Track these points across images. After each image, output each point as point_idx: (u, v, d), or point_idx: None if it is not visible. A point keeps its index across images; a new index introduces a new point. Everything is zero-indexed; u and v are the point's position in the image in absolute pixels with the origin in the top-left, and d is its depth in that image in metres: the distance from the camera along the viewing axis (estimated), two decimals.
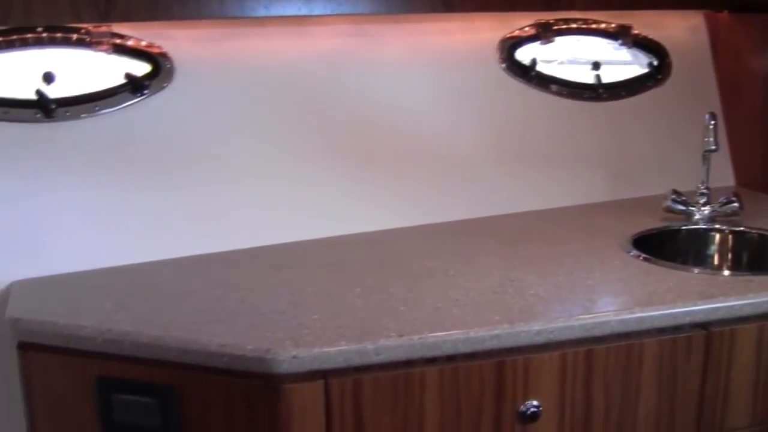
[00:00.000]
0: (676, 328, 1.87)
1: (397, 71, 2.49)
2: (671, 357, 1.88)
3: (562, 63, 2.69)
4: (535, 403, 1.78)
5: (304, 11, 2.25)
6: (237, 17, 2.21)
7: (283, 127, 2.37)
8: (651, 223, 2.45)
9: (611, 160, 2.74)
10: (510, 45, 2.62)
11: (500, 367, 1.75)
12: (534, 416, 1.78)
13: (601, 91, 2.73)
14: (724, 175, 2.87)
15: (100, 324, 1.78)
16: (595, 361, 1.81)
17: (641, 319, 1.83)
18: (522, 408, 1.78)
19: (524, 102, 2.64)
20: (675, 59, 2.85)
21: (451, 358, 1.72)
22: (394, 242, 2.32)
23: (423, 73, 2.52)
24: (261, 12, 2.21)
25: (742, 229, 2.46)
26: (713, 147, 2.45)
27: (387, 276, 2.05)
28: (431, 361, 1.71)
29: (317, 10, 2.27)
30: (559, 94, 2.68)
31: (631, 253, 2.20)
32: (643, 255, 2.18)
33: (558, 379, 1.79)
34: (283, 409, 1.64)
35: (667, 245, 2.39)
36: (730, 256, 2.48)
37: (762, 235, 2.42)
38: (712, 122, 2.45)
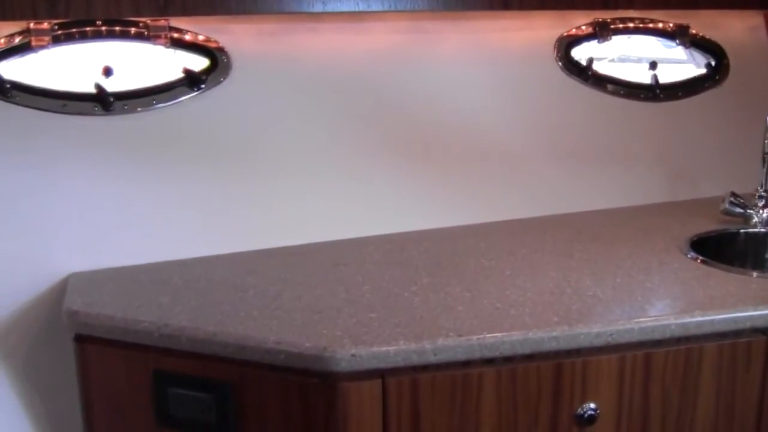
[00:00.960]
0: (736, 333, 1.84)
1: (454, 68, 2.48)
2: (731, 363, 1.85)
3: (618, 62, 2.66)
4: (592, 406, 1.76)
5: (361, 7, 2.24)
6: (294, 12, 2.20)
7: (339, 124, 2.36)
8: (709, 225, 2.42)
9: (668, 161, 2.71)
10: (567, 43, 2.59)
11: (558, 369, 1.73)
12: (591, 419, 1.77)
13: (658, 91, 2.70)
14: None
15: (157, 319, 1.79)
16: (654, 365, 1.79)
17: (701, 323, 1.80)
18: (579, 411, 1.76)
19: (580, 101, 2.61)
20: (733, 59, 2.81)
21: (508, 359, 1.71)
22: (451, 240, 2.31)
23: (480, 70, 2.50)
24: (318, 7, 2.20)
25: None
26: None
27: (444, 275, 2.05)
28: (489, 361, 1.70)
29: (374, 6, 2.25)
30: (615, 93, 2.65)
31: (689, 255, 2.17)
32: (701, 257, 2.15)
33: (616, 383, 1.78)
34: (341, 408, 1.64)
35: (725, 248, 2.36)
36: None
37: None
38: None
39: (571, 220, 2.50)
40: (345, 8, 2.23)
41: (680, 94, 2.74)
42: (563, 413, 1.76)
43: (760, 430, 1.92)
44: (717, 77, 2.79)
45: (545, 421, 1.75)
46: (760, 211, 2.45)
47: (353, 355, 1.62)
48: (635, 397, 1.80)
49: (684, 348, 1.81)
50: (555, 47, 2.58)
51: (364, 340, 1.66)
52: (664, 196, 2.68)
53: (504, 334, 1.70)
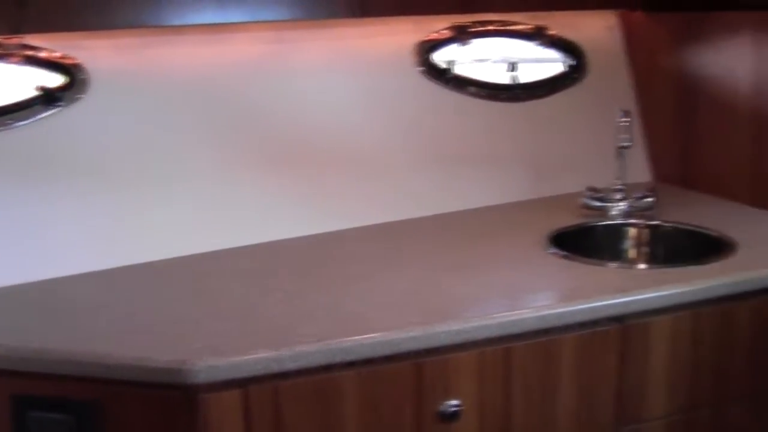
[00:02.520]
0: (593, 323, 1.90)
1: (315, 76, 2.49)
2: (589, 351, 1.91)
3: (479, 64, 2.71)
4: (455, 402, 1.79)
5: (220, 18, 2.24)
6: (152, 26, 2.19)
7: (201, 135, 2.36)
8: (569, 220, 2.49)
9: (531, 159, 2.77)
10: (427, 48, 2.63)
11: (419, 368, 1.76)
12: (455, 415, 1.80)
13: (518, 91, 2.76)
14: (641, 171, 2.91)
15: (12, 341, 1.75)
16: (514, 359, 1.84)
17: (559, 314, 1.85)
18: (442, 408, 1.79)
19: (443, 104, 2.66)
20: (591, 58, 2.89)
21: (369, 362, 1.73)
22: (315, 247, 2.33)
23: (341, 77, 2.52)
24: (176, 21, 2.20)
25: (657, 222, 2.51)
26: (627, 143, 2.50)
27: (308, 282, 2.06)
28: (350, 365, 1.72)
29: (234, 17, 2.26)
30: (476, 95, 2.70)
31: (550, 251, 2.23)
32: (561, 252, 2.21)
33: (477, 378, 1.81)
34: (202, 420, 1.63)
35: (584, 241, 2.42)
36: (645, 249, 2.52)
37: (676, 228, 2.47)
38: (626, 119, 2.49)
39: (437, 222, 2.53)
40: (203, 20, 2.23)
41: (540, 93, 2.81)
42: (427, 411, 1.78)
43: (619, 416, 1.98)
44: (576, 76, 2.86)
45: (409, 421, 1.78)
46: (618, 204, 2.52)
47: (212, 367, 1.62)
48: (498, 390, 1.84)
49: (544, 340, 1.86)
50: (415, 52, 2.61)
51: (223, 350, 1.66)
52: (528, 193, 2.74)
53: (363, 336, 1.72)
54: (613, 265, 2.19)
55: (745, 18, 2.60)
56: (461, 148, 2.67)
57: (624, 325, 1.93)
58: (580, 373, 1.91)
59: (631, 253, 2.53)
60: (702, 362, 2.05)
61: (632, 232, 2.52)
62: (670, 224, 2.49)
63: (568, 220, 2.48)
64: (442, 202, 2.60)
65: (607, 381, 1.95)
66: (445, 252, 2.25)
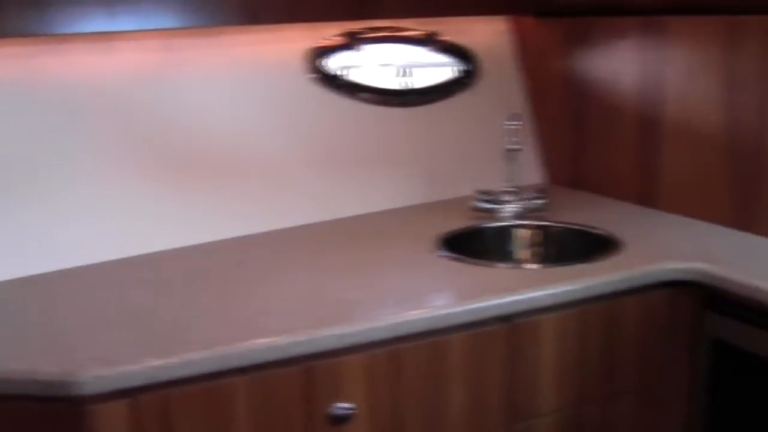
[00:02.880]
0: (481, 323, 1.93)
1: (207, 84, 2.49)
2: (478, 351, 1.94)
3: (372, 70, 2.73)
4: (346, 405, 1.81)
5: (108, 27, 2.22)
6: (40, 34, 2.16)
7: (91, 145, 2.33)
8: (461, 222, 2.52)
9: (424, 163, 2.80)
10: (318, 54, 2.64)
11: (309, 372, 1.77)
12: (346, 418, 1.82)
13: (411, 96, 2.79)
14: (534, 174, 2.98)
15: None
16: (404, 360, 1.86)
17: (446, 315, 1.88)
18: (333, 411, 1.81)
19: (335, 111, 2.67)
20: (483, 63, 2.93)
21: (259, 367, 1.73)
22: (208, 255, 2.32)
23: (233, 85, 2.52)
24: (64, 29, 2.17)
25: (546, 223, 2.56)
26: (516, 146, 2.55)
27: (198, 290, 2.05)
28: (241, 371, 1.72)
29: (122, 26, 2.24)
30: (369, 101, 2.72)
31: (440, 254, 2.26)
32: (451, 254, 2.24)
33: (368, 380, 1.83)
34: None
35: (475, 243, 2.46)
36: (536, 250, 2.57)
37: (565, 228, 2.53)
38: (514, 122, 2.54)
39: (329, 228, 2.55)
40: (92, 28, 2.21)
41: (433, 98, 2.84)
42: (318, 415, 1.80)
43: (509, 414, 2.02)
44: (468, 81, 2.91)
45: (300, 425, 1.79)
46: (508, 206, 2.57)
47: (98, 377, 1.61)
48: (388, 392, 1.86)
49: (432, 341, 1.89)
50: (307, 59, 2.62)
51: (110, 360, 1.65)
52: (422, 197, 2.77)
53: (252, 342, 1.73)
54: (502, 265, 2.23)
55: (630, 23, 2.67)
56: (354, 154, 2.69)
57: (512, 324, 1.97)
58: (470, 373, 1.94)
59: (522, 253, 2.58)
60: (590, 358, 2.10)
61: (522, 233, 2.57)
62: (559, 225, 2.54)
63: (460, 222, 2.52)
64: (335, 207, 2.62)
65: (496, 379, 1.98)
66: (336, 256, 2.26)
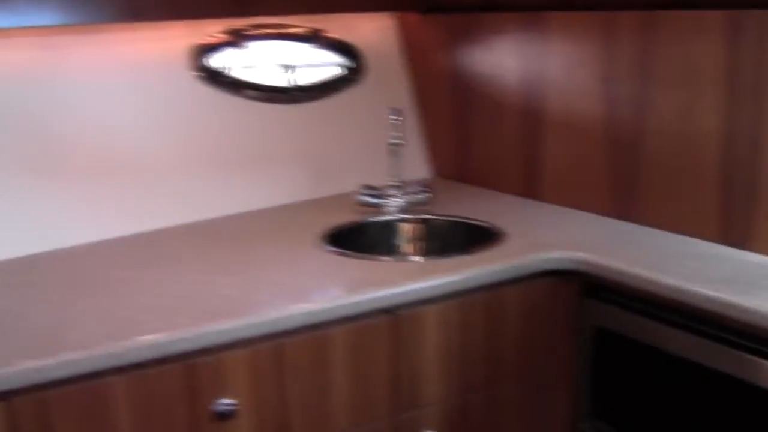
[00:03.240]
0: (364, 316, 1.95)
1: (86, 83, 2.45)
2: (361, 344, 1.96)
3: (258, 67, 2.72)
4: (229, 401, 1.81)
5: None
6: None
7: None
8: (347, 217, 2.54)
9: (311, 160, 2.81)
10: (202, 52, 2.63)
11: (190, 370, 1.77)
12: (230, 414, 1.81)
13: (296, 93, 2.79)
14: (421, 168, 3.01)
15: None
16: (287, 355, 1.87)
17: (328, 309, 1.89)
18: (217, 408, 1.80)
19: (220, 108, 2.66)
20: (368, 60, 2.95)
21: (140, 366, 1.72)
22: (88, 256, 2.28)
23: (114, 83, 2.49)
24: None
25: (430, 216, 2.60)
26: (399, 141, 2.58)
27: (77, 290, 2.02)
28: (120, 370, 1.70)
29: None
30: (254, 98, 2.72)
31: (325, 248, 2.27)
32: (336, 249, 2.25)
33: (251, 376, 1.83)
34: None
35: (360, 238, 2.48)
36: (420, 243, 2.60)
37: (449, 221, 2.56)
38: (397, 117, 2.57)
39: (216, 225, 2.53)
40: None
41: (319, 94, 2.85)
42: (201, 412, 1.79)
43: (395, 404, 2.04)
44: (354, 77, 2.92)
45: (183, 423, 1.78)
46: (393, 200, 2.59)
47: None
48: (272, 387, 1.86)
49: (315, 335, 1.90)
50: (190, 56, 2.61)
51: None
52: (308, 193, 2.78)
53: (130, 341, 1.71)
54: (386, 259, 2.25)
55: (511, 19, 2.72)
56: (240, 152, 2.68)
57: (395, 317, 1.99)
58: (354, 365, 1.96)
59: (406, 247, 2.60)
60: (474, 348, 2.13)
61: (407, 226, 2.60)
62: (444, 218, 2.58)
63: (345, 217, 2.53)
64: (221, 205, 2.61)
65: (381, 371, 2.00)
66: (220, 255, 2.25)
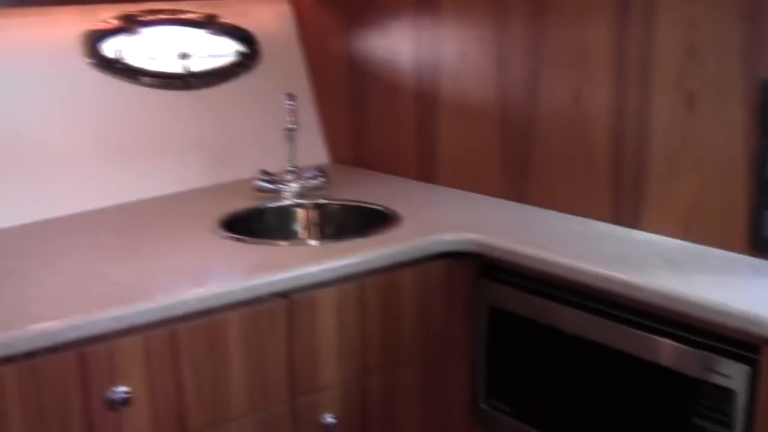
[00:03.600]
0: (258, 300, 1.95)
1: None
2: (256, 328, 1.96)
3: (152, 54, 2.69)
4: (124, 389, 1.79)
5: None
6: None
7: None
8: (244, 203, 2.53)
9: (207, 147, 2.79)
10: (95, 38, 2.59)
11: (83, 358, 1.74)
12: (125, 402, 1.79)
13: (191, 80, 2.77)
14: (318, 154, 3.01)
15: None
16: (181, 341, 1.86)
17: (220, 294, 1.89)
18: (111, 395, 1.78)
19: (115, 95, 2.62)
20: (264, 46, 2.94)
21: (30, 355, 1.69)
22: None
23: (4, 70, 2.43)
24: None
25: (326, 201, 2.61)
26: (293, 126, 2.58)
27: None
28: (9, 360, 1.67)
29: None
30: (149, 85, 2.69)
31: (220, 234, 2.26)
32: (231, 234, 2.25)
33: (145, 363, 1.82)
34: None
35: (257, 224, 2.48)
36: (317, 227, 2.61)
37: (345, 206, 2.58)
38: (290, 102, 2.57)
39: (110, 213, 2.49)
40: None
41: (215, 81, 2.83)
42: (95, 401, 1.77)
43: (292, 389, 2.04)
44: (249, 63, 2.91)
45: (77, 412, 1.75)
46: (290, 185, 2.59)
47: None
48: (166, 374, 1.85)
49: (209, 321, 1.89)
50: (82, 43, 2.57)
51: None
52: (206, 180, 2.75)
53: (21, 330, 1.68)
54: (281, 243, 2.25)
55: (405, 3, 2.74)
56: (135, 139, 2.65)
57: (290, 301, 2.00)
58: (249, 350, 1.96)
59: (303, 232, 2.61)
60: (371, 331, 2.15)
61: (303, 212, 2.61)
62: (339, 202, 2.60)
63: (242, 204, 2.53)
64: (115, 194, 2.56)
65: (278, 356, 2.00)
66: (116, 241, 2.23)
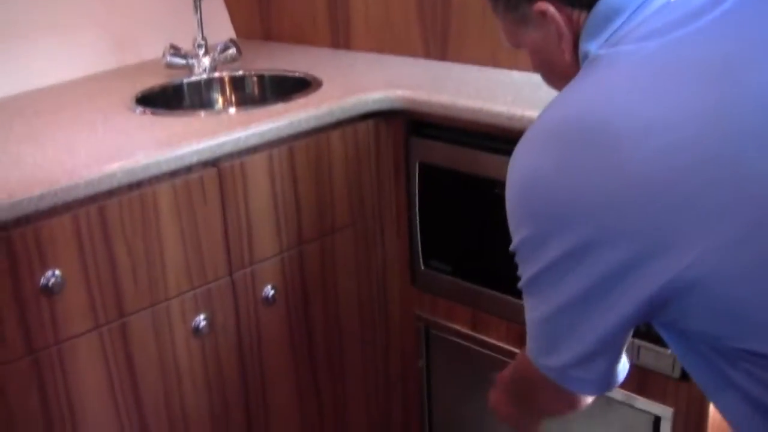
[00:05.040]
0: (188, 170, 1.85)
1: None
2: (188, 201, 1.86)
3: None
4: (56, 272, 1.69)
5: None
6: None
7: None
8: (157, 81, 2.40)
9: (110, 26, 2.61)
10: None
11: (8, 244, 1.63)
12: (58, 286, 1.69)
13: None
14: (225, 28, 2.88)
15: None
16: (110, 218, 1.75)
17: (146, 166, 1.77)
18: (42, 281, 1.68)
19: None
20: None
21: None
22: None
23: None
24: None
25: (241, 73, 2.51)
26: None
27: None
28: None
29: None
30: None
31: (138, 110, 2.14)
32: (149, 109, 2.13)
33: (76, 244, 1.71)
34: None
35: (173, 99, 2.37)
36: (233, 98, 2.52)
37: (260, 76, 2.49)
38: None
39: (15, 101, 2.32)
40: None
41: None
42: (26, 287, 1.66)
43: (230, 262, 1.97)
44: None
45: (8, 300, 1.64)
46: (201, 59, 2.47)
47: None
48: (99, 254, 1.74)
49: (138, 195, 1.79)
50: None
51: None
52: (114, 61, 2.59)
53: None
54: (204, 114, 2.15)
55: None
56: (35, 19, 2.45)
57: (219, 169, 1.91)
58: (183, 225, 1.87)
59: (222, 104, 2.50)
60: (303, 196, 2.08)
61: (220, 84, 2.50)
62: (256, 72, 2.50)
63: (155, 81, 2.40)
64: (15, 81, 2.38)
65: (212, 229, 1.92)
66: (25, 128, 2.07)
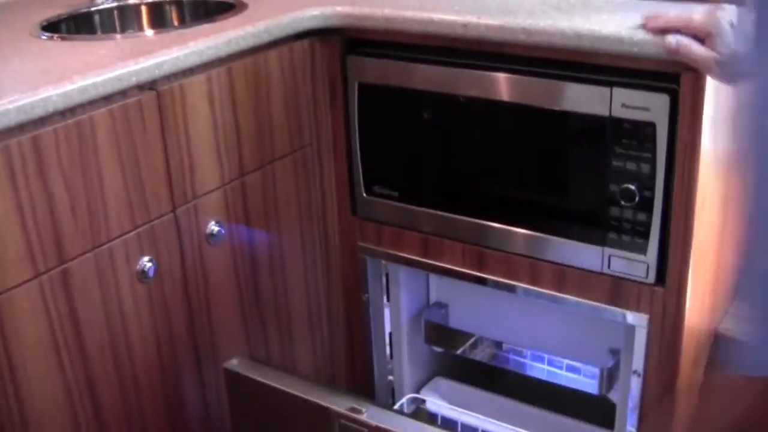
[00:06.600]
0: (123, 94, 1.66)
1: None
2: (126, 129, 1.68)
3: None
4: None
5: None
6: None
7: None
8: (63, 10, 2.16)
9: None
10: None
11: None
12: None
13: None
14: None
15: None
16: (44, 148, 1.54)
17: (82, 88, 1.57)
18: None
19: None
20: None
21: None
22: None
23: None
24: None
25: None
26: None
27: None
28: None
29: None
30: None
31: (45, 38, 1.92)
32: (60, 35, 1.92)
33: (9, 179, 1.50)
34: None
35: (83, 28, 2.16)
36: (151, 26, 2.31)
37: (177, 1, 2.30)
38: None
39: None
40: None
41: None
42: None
43: (173, 195, 1.80)
44: None
45: None
46: None
47: None
48: (33, 186, 1.53)
49: (73, 122, 1.58)
50: None
51: None
52: None
53: None
54: (119, 36, 1.94)
55: None
56: None
57: (158, 92, 1.72)
58: (123, 155, 1.68)
59: (137, 28, 2.30)
60: (243, 121, 1.92)
61: (133, 11, 2.28)
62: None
63: (61, 11, 2.15)
64: None
65: (152, 153, 1.73)
66: None
